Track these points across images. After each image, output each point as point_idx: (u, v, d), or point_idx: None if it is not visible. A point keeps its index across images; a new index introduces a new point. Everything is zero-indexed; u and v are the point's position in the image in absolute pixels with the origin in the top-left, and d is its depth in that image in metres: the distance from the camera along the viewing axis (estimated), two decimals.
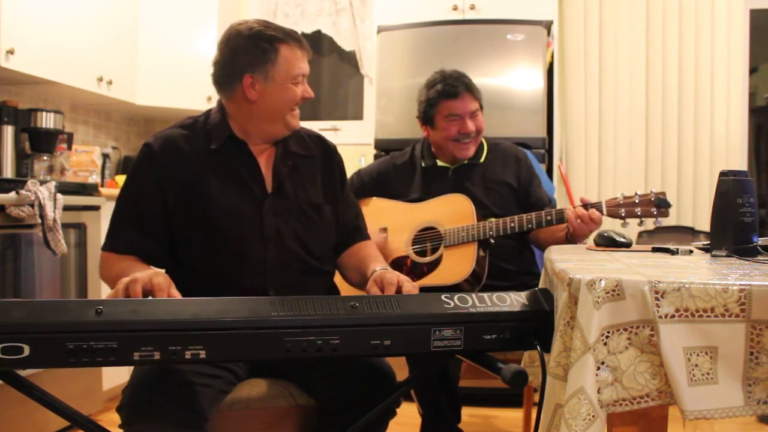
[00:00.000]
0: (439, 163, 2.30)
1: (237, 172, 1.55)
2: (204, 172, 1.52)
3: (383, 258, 1.71)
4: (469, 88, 2.22)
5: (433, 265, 2.16)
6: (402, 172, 2.35)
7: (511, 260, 2.21)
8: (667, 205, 1.89)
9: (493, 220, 2.14)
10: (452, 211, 2.18)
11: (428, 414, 2.09)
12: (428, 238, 2.21)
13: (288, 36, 1.53)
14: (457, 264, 2.11)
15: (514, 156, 2.32)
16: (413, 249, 2.23)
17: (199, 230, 1.50)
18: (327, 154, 1.69)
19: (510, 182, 2.26)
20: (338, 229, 1.67)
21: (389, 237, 2.27)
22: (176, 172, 1.51)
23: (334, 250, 1.68)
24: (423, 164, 2.31)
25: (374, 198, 2.35)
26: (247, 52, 1.50)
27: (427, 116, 2.26)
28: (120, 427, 1.28)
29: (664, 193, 1.91)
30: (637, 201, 1.91)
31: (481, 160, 2.29)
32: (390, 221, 2.26)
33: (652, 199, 1.90)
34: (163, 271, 1.37)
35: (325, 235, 1.62)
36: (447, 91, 2.21)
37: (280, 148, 1.60)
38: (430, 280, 2.13)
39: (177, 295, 1.25)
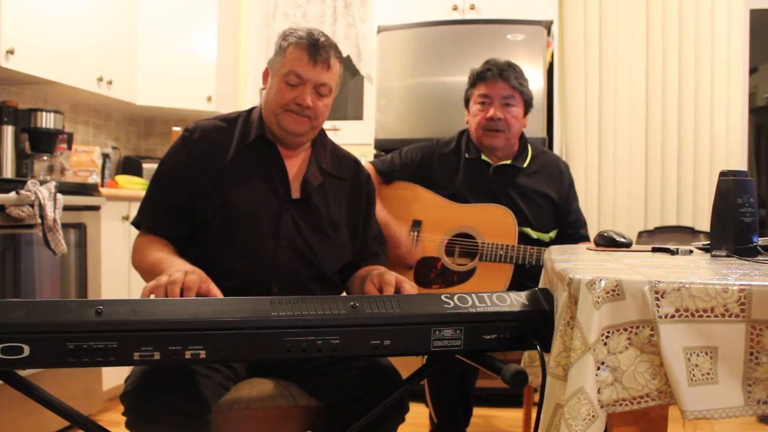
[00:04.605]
0: (483, 157, 2.20)
1: (264, 170, 1.58)
2: (234, 164, 1.56)
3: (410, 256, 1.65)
4: (503, 75, 2.12)
5: (465, 276, 2.10)
6: (446, 163, 2.23)
7: (538, 281, 2.17)
8: None
9: (534, 246, 2.05)
10: (494, 223, 2.10)
11: (443, 420, 2.05)
12: (463, 245, 2.13)
13: (304, 40, 1.53)
14: (491, 283, 2.04)
15: (557, 168, 2.24)
16: (446, 254, 2.15)
17: (216, 217, 1.52)
18: (358, 180, 1.69)
19: (552, 196, 2.18)
20: (353, 253, 1.66)
21: (422, 233, 2.18)
22: (208, 160, 1.55)
23: (344, 271, 1.68)
24: (467, 155, 2.21)
25: (416, 186, 2.22)
26: (275, 46, 1.59)
27: (466, 98, 2.22)
28: (123, 414, 1.28)
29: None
30: None
31: (525, 164, 2.20)
32: (426, 215, 2.16)
33: None
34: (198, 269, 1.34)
35: (337, 254, 1.62)
36: (480, 73, 2.16)
37: (313, 162, 1.62)
38: (459, 291, 2.08)
39: (214, 290, 1.26)
